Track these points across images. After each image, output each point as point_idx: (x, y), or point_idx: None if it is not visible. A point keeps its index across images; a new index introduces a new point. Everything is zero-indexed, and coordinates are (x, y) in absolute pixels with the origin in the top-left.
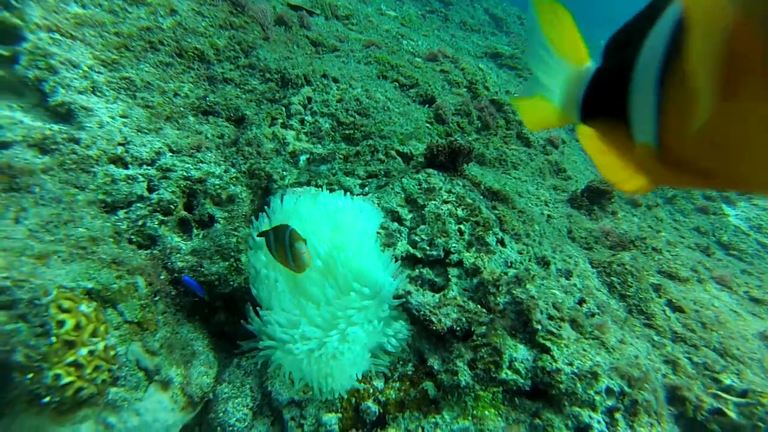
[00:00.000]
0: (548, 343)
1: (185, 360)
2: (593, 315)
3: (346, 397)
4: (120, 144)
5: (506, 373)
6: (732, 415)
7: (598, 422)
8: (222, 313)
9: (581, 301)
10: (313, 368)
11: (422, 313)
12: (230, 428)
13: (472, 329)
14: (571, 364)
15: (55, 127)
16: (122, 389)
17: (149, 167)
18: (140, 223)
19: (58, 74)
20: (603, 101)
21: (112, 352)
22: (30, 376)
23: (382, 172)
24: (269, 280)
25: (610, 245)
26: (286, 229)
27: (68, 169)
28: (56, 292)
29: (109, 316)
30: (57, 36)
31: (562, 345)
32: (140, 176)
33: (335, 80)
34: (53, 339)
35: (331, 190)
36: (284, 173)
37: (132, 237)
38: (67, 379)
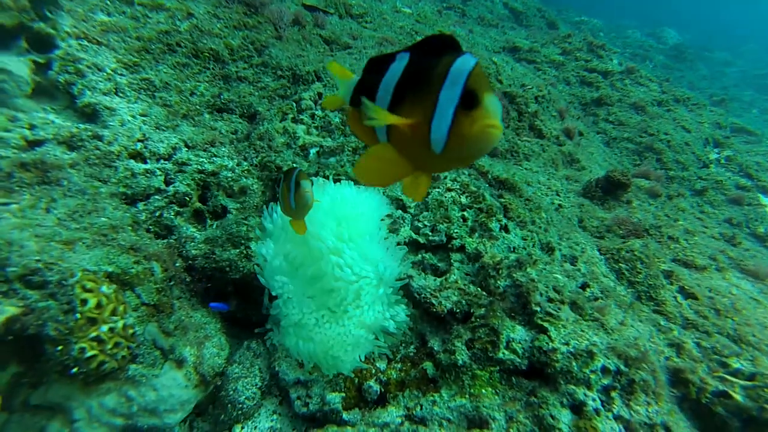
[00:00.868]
0: (546, 324)
1: (198, 342)
2: (596, 299)
3: (352, 375)
4: (139, 140)
5: (503, 353)
6: (738, 397)
7: (593, 400)
8: (233, 299)
9: (584, 286)
10: (319, 348)
11: (423, 296)
12: (240, 405)
13: (472, 311)
14: (567, 344)
15: (82, 125)
16: (141, 366)
17: (166, 161)
18: (157, 214)
19: (86, 78)
20: (359, 97)
21: (130, 331)
22: (59, 348)
23: None
24: (276, 268)
25: (623, 234)
26: (294, 169)
27: (93, 164)
28: (81, 274)
29: (127, 297)
30: (85, 42)
31: (559, 326)
32: (158, 170)
33: None
34: (78, 315)
35: (338, 180)
36: (294, 165)
37: (150, 227)
38: (90, 353)
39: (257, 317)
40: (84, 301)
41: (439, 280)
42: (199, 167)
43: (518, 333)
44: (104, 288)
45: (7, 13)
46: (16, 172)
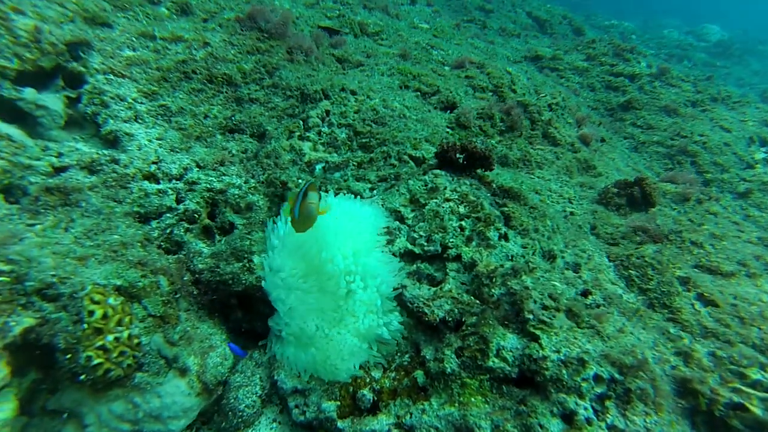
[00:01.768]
0: (538, 332)
1: (203, 351)
2: (598, 306)
3: (349, 381)
4: (153, 162)
5: (493, 361)
6: (756, 410)
7: (585, 408)
8: (238, 311)
9: (586, 293)
10: (318, 357)
11: (416, 305)
12: (240, 413)
13: (464, 319)
14: (558, 351)
15: (102, 151)
16: (146, 374)
17: (178, 181)
18: (168, 231)
19: (109, 108)
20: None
21: (136, 341)
22: (68, 356)
23: (392, 176)
24: (278, 280)
25: (639, 240)
26: (308, 181)
27: (109, 186)
28: (91, 287)
29: (135, 309)
30: (111, 76)
31: (551, 333)
32: (170, 190)
33: (353, 92)
34: (85, 325)
35: (338, 193)
36: (299, 181)
37: (162, 243)
38: (96, 361)
39: (262, 328)
40: (91, 312)
41: (433, 289)
42: (208, 185)
43: (509, 341)
44: (111, 300)
45: (47, 57)
46: (42, 196)
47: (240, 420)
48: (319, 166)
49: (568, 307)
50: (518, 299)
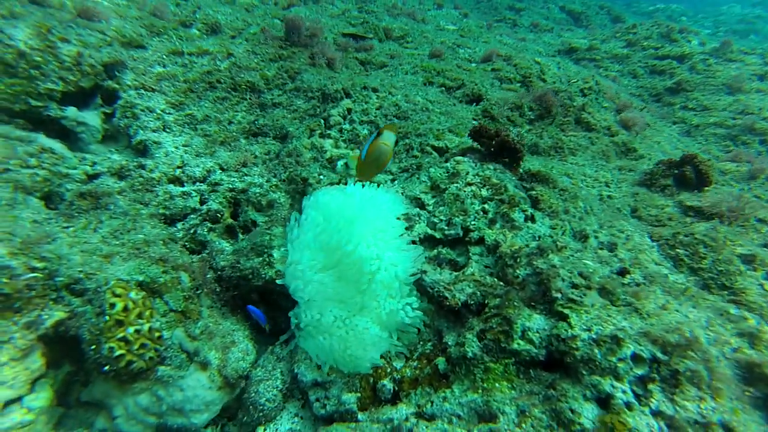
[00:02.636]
0: (567, 311)
1: (224, 346)
2: (638, 285)
3: (370, 372)
4: (178, 167)
5: (518, 344)
6: None
7: (624, 392)
8: (260, 306)
9: (623, 272)
10: (337, 348)
11: (436, 290)
12: (261, 407)
13: (486, 302)
14: (589, 330)
15: (131, 158)
16: (168, 368)
17: (201, 183)
18: (192, 231)
19: (139, 120)
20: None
21: (157, 334)
22: (93, 347)
23: (414, 166)
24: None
25: (689, 220)
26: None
27: (136, 190)
28: (114, 282)
29: (156, 304)
30: (142, 91)
31: (581, 312)
32: (194, 192)
33: (375, 90)
34: (107, 317)
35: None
36: (321, 177)
37: (186, 243)
38: (118, 352)
39: (285, 324)
40: (112, 305)
41: (455, 273)
42: (231, 186)
43: (535, 322)
44: (132, 294)
45: (86, 77)
46: (76, 200)
47: (261, 414)
48: (340, 162)
49: (601, 285)
50: (545, 278)
